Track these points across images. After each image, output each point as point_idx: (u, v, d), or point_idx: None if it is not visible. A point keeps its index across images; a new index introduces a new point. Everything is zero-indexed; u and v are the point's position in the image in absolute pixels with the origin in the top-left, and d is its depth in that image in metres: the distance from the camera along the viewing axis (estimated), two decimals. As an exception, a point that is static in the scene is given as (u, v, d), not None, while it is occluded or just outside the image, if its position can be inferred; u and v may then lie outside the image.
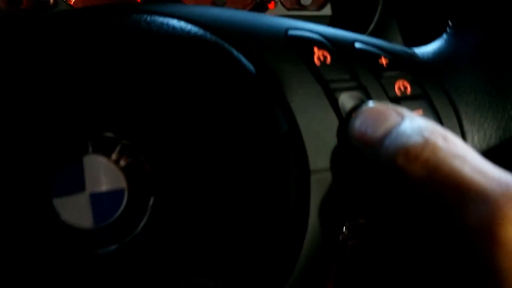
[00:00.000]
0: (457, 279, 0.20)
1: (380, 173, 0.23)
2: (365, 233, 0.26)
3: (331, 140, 0.24)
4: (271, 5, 0.55)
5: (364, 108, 0.23)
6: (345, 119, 0.24)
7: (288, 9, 0.55)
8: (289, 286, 0.23)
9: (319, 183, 0.23)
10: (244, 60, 0.24)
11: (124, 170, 0.21)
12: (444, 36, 0.28)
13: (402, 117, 0.22)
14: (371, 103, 0.24)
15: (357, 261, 0.26)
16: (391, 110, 0.23)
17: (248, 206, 0.22)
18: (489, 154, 0.25)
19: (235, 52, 0.24)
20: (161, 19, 0.24)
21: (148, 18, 0.24)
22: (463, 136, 0.25)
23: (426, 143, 0.20)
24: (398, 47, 0.27)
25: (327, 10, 0.55)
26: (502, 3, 0.27)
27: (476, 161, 0.20)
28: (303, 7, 0.55)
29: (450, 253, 0.20)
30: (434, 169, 0.20)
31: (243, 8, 0.54)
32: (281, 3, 0.55)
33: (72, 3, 0.52)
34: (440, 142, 0.20)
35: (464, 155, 0.20)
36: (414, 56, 0.27)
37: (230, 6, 0.55)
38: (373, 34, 0.49)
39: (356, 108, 0.24)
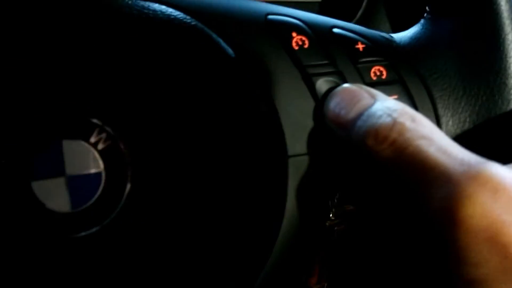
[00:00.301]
0: (423, 257, 0.20)
1: (353, 154, 0.23)
2: (352, 219, 0.26)
3: (309, 125, 0.24)
4: (261, -9, 0.55)
5: (338, 89, 0.24)
6: (320, 100, 0.24)
7: (278, -5, 0.55)
8: (268, 268, 0.23)
9: (297, 168, 0.24)
10: (223, 44, 0.24)
11: (102, 154, 0.21)
12: (422, 22, 0.28)
13: (375, 99, 0.23)
14: (345, 84, 0.24)
15: (344, 246, 0.27)
16: (364, 91, 0.23)
17: (225, 190, 0.22)
18: (463, 138, 0.25)
19: (214, 36, 0.24)
20: (142, 3, 0.24)
21: (129, 1, 0.24)
22: (438, 121, 0.25)
23: (394, 124, 0.21)
24: (376, 32, 0.27)
25: (316, -4, 0.55)
26: None
27: (442, 142, 0.20)
28: (293, -7, 0.55)
29: (417, 233, 0.20)
30: (401, 150, 0.20)
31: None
32: (271, -12, 0.55)
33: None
34: (408, 123, 0.21)
35: (431, 136, 0.20)
36: (391, 42, 0.27)
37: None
38: (361, 20, 0.49)
39: (331, 90, 0.24)
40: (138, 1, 0.24)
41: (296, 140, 0.24)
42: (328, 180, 0.25)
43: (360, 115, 0.22)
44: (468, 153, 0.20)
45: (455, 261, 0.18)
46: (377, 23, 0.48)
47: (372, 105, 0.22)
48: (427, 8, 0.29)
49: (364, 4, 0.49)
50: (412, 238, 0.21)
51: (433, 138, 0.20)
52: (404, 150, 0.20)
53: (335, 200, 0.25)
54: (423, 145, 0.20)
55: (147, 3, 0.24)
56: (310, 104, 0.24)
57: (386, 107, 0.22)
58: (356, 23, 0.49)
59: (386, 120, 0.21)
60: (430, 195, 0.19)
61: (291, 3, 0.56)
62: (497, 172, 0.18)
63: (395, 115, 0.21)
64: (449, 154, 0.19)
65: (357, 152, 0.22)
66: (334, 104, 0.23)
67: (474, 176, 0.18)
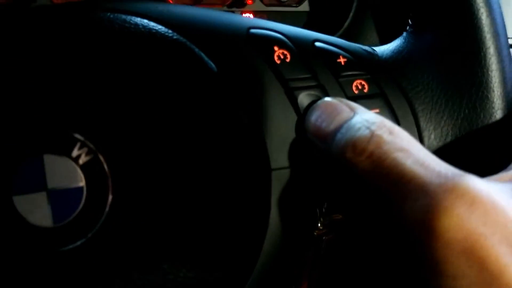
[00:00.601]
0: (403, 268, 0.20)
1: (334, 166, 0.23)
2: (340, 228, 0.26)
3: (291, 138, 0.24)
4: (249, 1, 0.55)
5: (319, 102, 0.24)
6: (302, 114, 0.24)
7: (266, 5, 0.55)
8: (253, 279, 0.23)
9: (280, 181, 0.24)
10: (205, 58, 0.24)
11: (83, 168, 0.21)
12: (404, 35, 0.29)
13: (354, 112, 0.23)
14: (326, 98, 0.24)
15: (333, 255, 0.27)
16: (344, 105, 0.23)
17: (207, 202, 0.22)
18: (445, 152, 0.25)
19: (196, 50, 0.24)
20: (124, 17, 0.24)
21: (111, 16, 0.24)
22: (420, 134, 0.25)
23: (372, 137, 0.21)
24: (358, 46, 0.27)
25: (304, 6, 0.55)
26: (460, 4, 0.27)
27: (420, 154, 0.20)
28: (281, 3, 0.55)
29: (395, 244, 0.20)
30: (379, 162, 0.20)
31: (222, 3, 0.54)
32: (260, -1, 0.55)
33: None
34: (385, 135, 0.21)
35: (408, 149, 0.20)
36: (373, 55, 0.27)
37: (210, 1, 0.55)
38: (348, 30, 0.49)
39: (313, 104, 0.24)
40: (120, 15, 0.24)
41: (279, 153, 0.24)
42: (312, 192, 0.25)
43: (339, 127, 0.22)
44: (445, 165, 0.20)
45: (432, 273, 0.18)
46: (364, 34, 0.48)
47: (351, 118, 0.22)
48: (409, 21, 0.29)
49: (351, 14, 0.49)
50: (392, 248, 0.21)
51: (410, 151, 0.20)
52: (381, 163, 0.20)
53: (323, 210, 0.25)
54: (400, 157, 0.20)
55: (128, 17, 0.24)
56: (292, 118, 0.24)
57: (364, 119, 0.22)
58: (344, 33, 0.49)
59: (364, 132, 0.21)
60: (407, 207, 0.19)
61: (279, 13, 0.56)
62: (474, 184, 0.18)
63: (373, 127, 0.21)
64: (426, 166, 0.19)
65: (337, 164, 0.22)
66: (315, 118, 0.23)
67: (451, 189, 0.18)
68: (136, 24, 0.24)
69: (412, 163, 0.20)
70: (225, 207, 0.22)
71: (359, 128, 0.21)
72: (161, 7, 0.26)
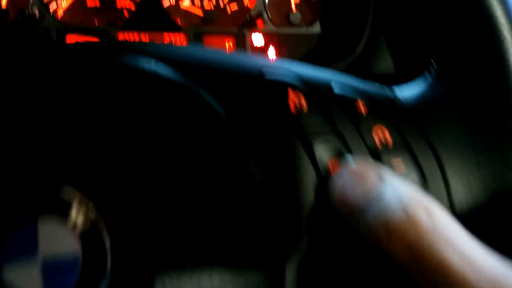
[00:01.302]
0: None
1: (359, 240, 0.21)
2: None
3: (309, 199, 0.22)
4: (260, 23, 0.54)
5: (343, 169, 0.22)
6: (324, 177, 0.22)
7: (277, 27, 0.54)
8: None
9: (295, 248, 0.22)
10: (215, 104, 0.22)
11: (80, 235, 0.20)
12: (427, 77, 0.27)
13: (382, 180, 0.21)
14: (350, 161, 0.23)
15: None
16: (371, 172, 0.22)
17: (214, 265, 0.21)
18: (477, 211, 0.24)
19: (205, 96, 0.22)
20: (129, 59, 0.23)
21: (119, 57, 0.23)
22: (447, 188, 0.23)
23: (409, 221, 0.20)
24: (377, 88, 0.25)
25: (316, 28, 0.54)
26: (486, 46, 0.25)
27: (463, 245, 0.19)
28: (292, 25, 0.54)
29: None
30: (418, 252, 0.19)
31: (233, 24, 0.53)
32: (270, 20, 0.54)
33: (59, 18, 0.51)
34: (423, 219, 0.20)
35: (451, 239, 0.19)
36: (394, 100, 0.25)
37: (220, 22, 0.54)
38: (362, 53, 0.48)
39: (333, 163, 0.22)
40: (127, 57, 0.23)
41: (295, 216, 0.22)
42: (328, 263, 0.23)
43: (369, 205, 0.21)
44: (492, 262, 0.18)
45: None
46: (379, 58, 0.47)
47: (382, 192, 0.21)
48: (432, 60, 0.27)
49: (365, 37, 0.47)
50: None
51: (454, 242, 0.19)
52: (422, 254, 0.19)
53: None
54: (444, 251, 0.19)
55: (134, 60, 0.23)
56: (310, 174, 0.22)
57: (398, 198, 0.20)
58: (358, 58, 0.47)
59: (400, 215, 0.20)
60: None
61: (290, 36, 0.55)
62: None
63: (408, 208, 0.20)
64: (473, 265, 0.18)
65: (366, 240, 0.21)
66: (340, 185, 0.22)
67: None
68: (143, 68, 0.22)
69: (458, 260, 0.18)
70: (234, 264, 0.21)
71: (394, 211, 0.20)
72: (169, 48, 0.25)
